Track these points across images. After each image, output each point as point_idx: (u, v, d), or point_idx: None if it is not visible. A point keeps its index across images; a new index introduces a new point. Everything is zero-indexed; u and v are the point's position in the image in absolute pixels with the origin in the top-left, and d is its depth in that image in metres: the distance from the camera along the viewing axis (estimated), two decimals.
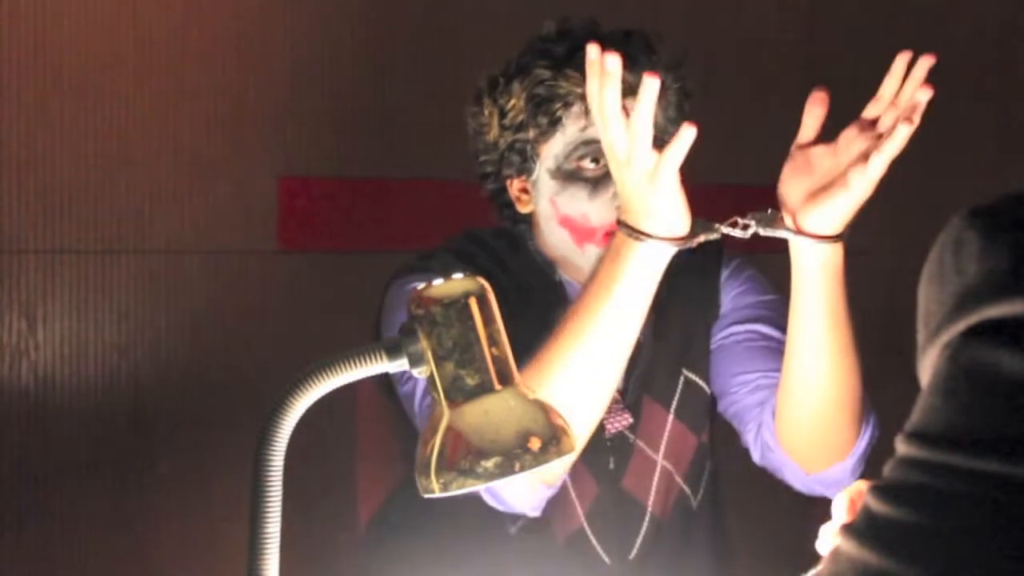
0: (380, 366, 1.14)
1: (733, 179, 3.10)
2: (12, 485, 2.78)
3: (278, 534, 1.13)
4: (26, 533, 2.79)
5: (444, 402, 1.15)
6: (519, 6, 3.10)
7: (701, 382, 1.88)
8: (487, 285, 1.17)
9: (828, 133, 1.60)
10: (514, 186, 1.85)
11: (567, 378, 1.57)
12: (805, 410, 1.68)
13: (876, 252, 3.31)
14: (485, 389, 1.14)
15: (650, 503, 1.85)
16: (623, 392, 1.85)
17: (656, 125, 1.74)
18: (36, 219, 2.81)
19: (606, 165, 1.70)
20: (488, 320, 1.15)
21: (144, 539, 2.88)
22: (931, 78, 1.55)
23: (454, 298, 1.14)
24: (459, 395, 1.14)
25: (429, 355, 1.14)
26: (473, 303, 1.15)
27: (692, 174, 1.57)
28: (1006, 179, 3.22)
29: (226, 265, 2.94)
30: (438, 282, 1.16)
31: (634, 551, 1.83)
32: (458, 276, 1.17)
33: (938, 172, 3.30)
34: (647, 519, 1.85)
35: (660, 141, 1.74)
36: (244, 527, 1.13)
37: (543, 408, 1.17)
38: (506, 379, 1.16)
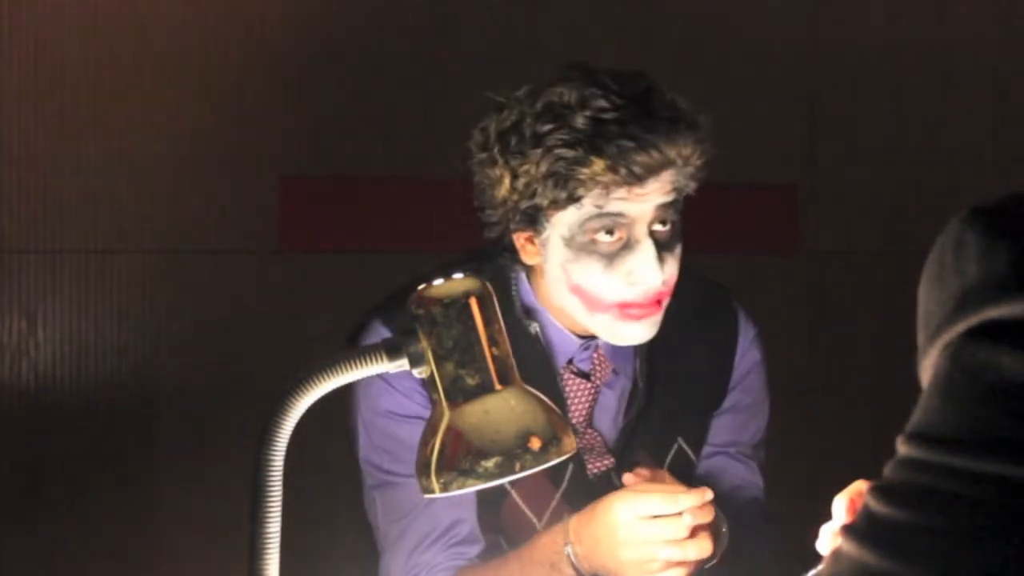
0: (380, 366, 1.14)
1: (732, 179, 3.10)
2: (12, 485, 2.78)
3: (278, 534, 1.13)
4: (27, 532, 2.79)
5: (444, 402, 1.15)
6: (519, 5, 3.10)
7: (693, 456, 1.86)
8: (488, 284, 1.17)
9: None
10: (520, 237, 1.73)
11: None
12: None
13: (876, 252, 3.30)
14: (485, 389, 1.14)
15: None
16: (599, 436, 1.83)
17: (678, 188, 1.67)
18: (36, 219, 2.81)
19: (621, 238, 1.64)
20: (489, 320, 1.15)
21: (144, 539, 2.88)
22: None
23: (454, 298, 1.14)
24: (459, 395, 1.14)
25: (429, 355, 1.14)
26: (474, 303, 1.14)
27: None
28: (1006, 179, 3.21)
29: (226, 265, 2.94)
30: (438, 282, 1.15)
31: None
32: (459, 275, 1.17)
33: (938, 172, 3.30)
34: None
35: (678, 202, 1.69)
36: (244, 527, 1.13)
37: (544, 408, 1.17)
38: (506, 379, 1.16)
